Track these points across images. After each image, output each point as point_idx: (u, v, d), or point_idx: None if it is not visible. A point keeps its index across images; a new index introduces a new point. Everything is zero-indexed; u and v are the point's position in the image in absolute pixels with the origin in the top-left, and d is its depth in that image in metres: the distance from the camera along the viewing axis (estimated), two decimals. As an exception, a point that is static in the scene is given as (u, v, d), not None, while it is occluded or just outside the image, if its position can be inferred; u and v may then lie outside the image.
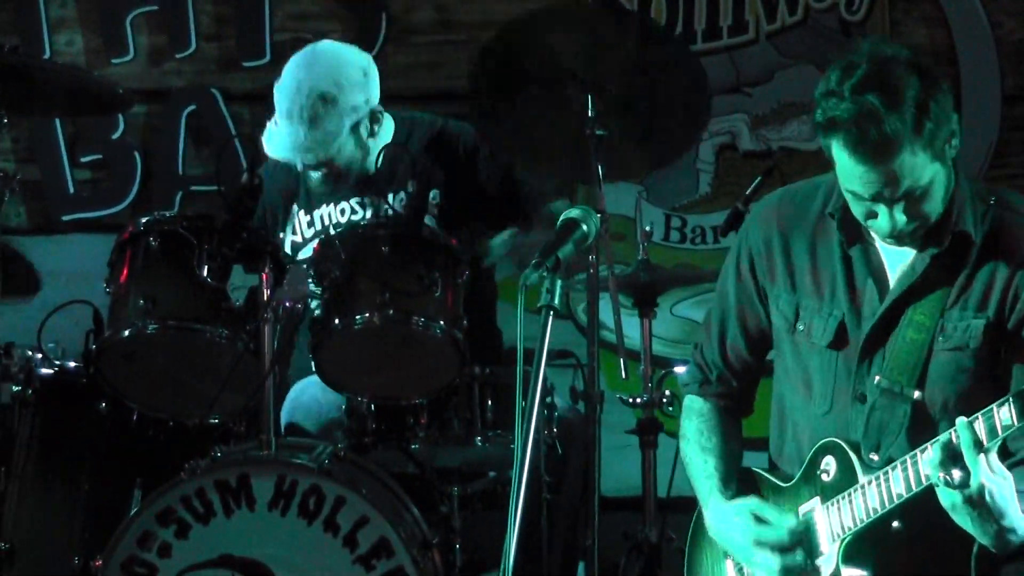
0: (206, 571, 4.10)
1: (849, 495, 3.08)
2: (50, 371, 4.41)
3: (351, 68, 4.75)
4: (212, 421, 4.38)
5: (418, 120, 4.93)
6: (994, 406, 2.82)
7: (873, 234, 3.15)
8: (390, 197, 4.74)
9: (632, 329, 4.63)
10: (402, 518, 4.18)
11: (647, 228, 4.83)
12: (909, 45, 6.06)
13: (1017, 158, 6.12)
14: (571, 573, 4.48)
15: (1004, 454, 2.96)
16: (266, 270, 4.23)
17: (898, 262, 3.15)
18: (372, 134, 4.77)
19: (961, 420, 2.84)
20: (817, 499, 3.16)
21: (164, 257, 4.25)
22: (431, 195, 4.80)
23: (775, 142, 6.09)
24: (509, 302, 4.95)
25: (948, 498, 2.86)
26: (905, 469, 2.96)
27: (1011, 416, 2.78)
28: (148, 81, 6.12)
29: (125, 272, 4.28)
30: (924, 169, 2.99)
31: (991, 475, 2.81)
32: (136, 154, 6.18)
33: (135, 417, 4.42)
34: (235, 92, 6.16)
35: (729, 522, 3.28)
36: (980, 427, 2.82)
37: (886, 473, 3.01)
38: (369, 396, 4.36)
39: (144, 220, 4.32)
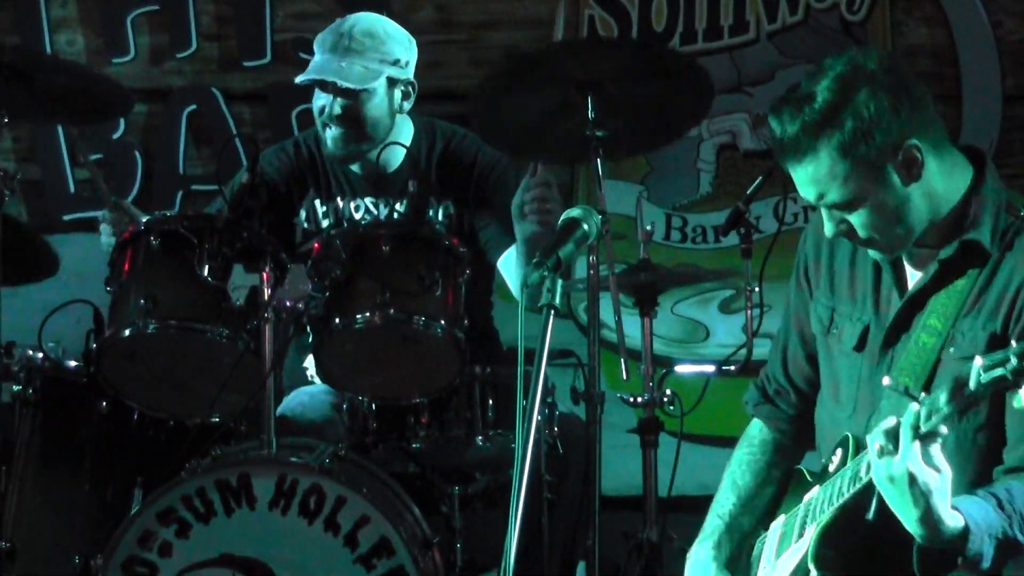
0: (207, 570, 4.09)
1: (833, 481, 3.08)
2: (51, 370, 4.41)
3: (399, 29, 4.76)
4: (213, 421, 4.37)
5: (439, 126, 4.90)
6: (938, 392, 2.79)
7: None
8: (402, 203, 4.74)
9: (633, 328, 4.62)
10: (403, 518, 4.18)
11: (648, 228, 4.81)
12: (910, 45, 6.13)
13: (1018, 158, 6.14)
14: (571, 573, 4.48)
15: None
16: (267, 270, 4.22)
17: (920, 266, 3.14)
18: (400, 108, 4.74)
19: (912, 404, 2.81)
20: (817, 487, 3.17)
21: (165, 257, 4.24)
22: (442, 208, 4.79)
23: (776, 142, 6.10)
24: (509, 302, 4.95)
25: (876, 472, 2.84)
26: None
27: (944, 402, 2.76)
28: (149, 81, 6.14)
29: (126, 271, 4.27)
30: (841, 181, 2.96)
31: (919, 461, 2.77)
32: (137, 154, 6.20)
33: (136, 417, 4.43)
34: (236, 92, 6.19)
35: None
36: (923, 412, 2.79)
37: (858, 458, 3.00)
38: (370, 396, 4.36)
39: (145, 219, 4.32)
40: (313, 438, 4.44)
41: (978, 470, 3.02)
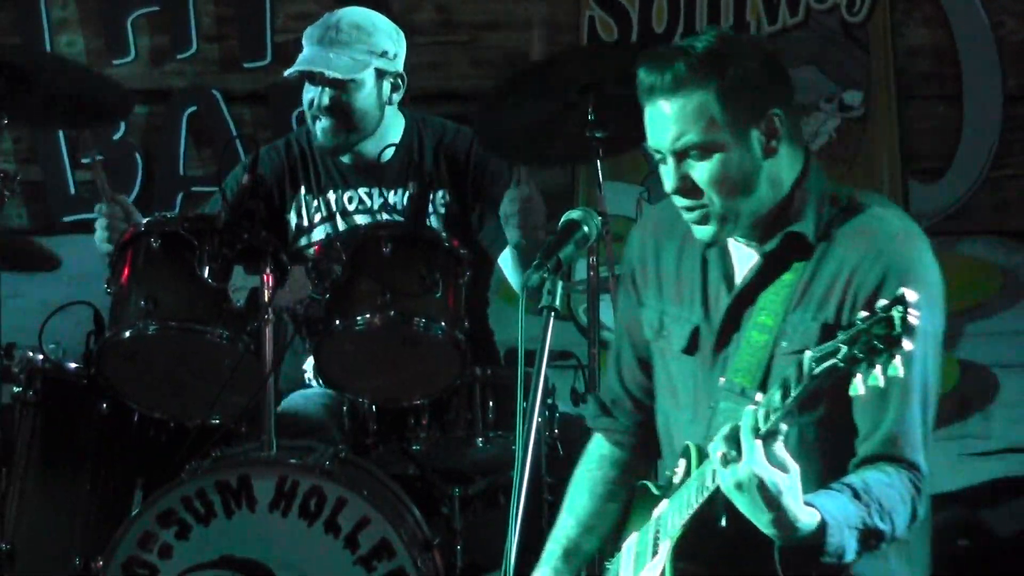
0: (207, 572, 4.09)
1: (680, 493, 3.04)
2: (51, 372, 4.41)
3: (386, 22, 4.78)
4: (213, 422, 4.37)
5: (430, 121, 4.91)
6: (773, 390, 2.75)
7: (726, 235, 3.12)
8: (397, 192, 4.74)
9: None
10: (403, 519, 4.18)
11: None
12: (910, 46, 6.13)
13: (1018, 158, 6.14)
14: None
15: None
16: (267, 271, 4.22)
17: (747, 263, 3.10)
18: (390, 101, 4.75)
19: (749, 406, 2.78)
20: (666, 501, 3.12)
21: (165, 258, 4.24)
22: (439, 195, 4.79)
23: (776, 142, 6.10)
24: (510, 302, 4.95)
25: (723, 480, 2.79)
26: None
27: (779, 400, 2.72)
28: (149, 82, 6.14)
29: (126, 273, 4.28)
30: (706, 122, 2.95)
31: (764, 464, 2.73)
32: (137, 155, 6.20)
33: (136, 418, 4.44)
34: (236, 93, 6.19)
35: None
36: (760, 413, 2.75)
37: (702, 467, 2.96)
38: (370, 397, 4.37)
39: (145, 221, 4.32)
40: (308, 440, 4.43)
41: (824, 465, 2.97)
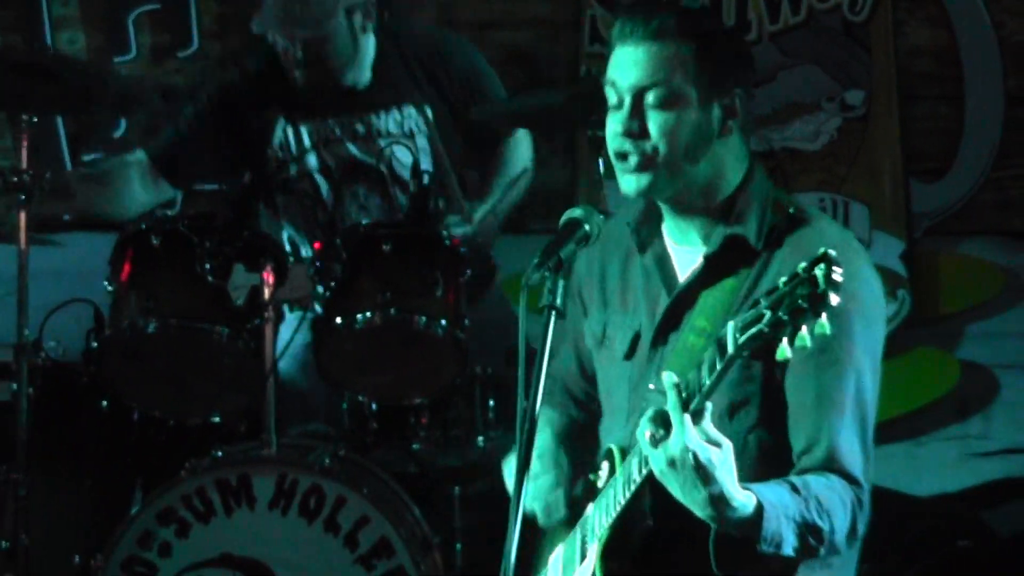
0: (206, 570, 4.14)
1: (606, 492, 3.00)
2: (51, 370, 4.44)
3: None
4: (213, 420, 4.41)
5: (399, 32, 4.82)
6: (701, 366, 2.72)
7: (666, 238, 3.11)
8: (380, 117, 4.70)
9: None
10: (403, 518, 4.21)
11: None
12: (913, 46, 6.12)
13: (1020, 158, 6.12)
14: None
15: None
16: (268, 269, 4.25)
17: (688, 267, 3.08)
18: (364, 29, 4.68)
19: (669, 378, 2.73)
20: (591, 506, 3.08)
21: (165, 256, 4.28)
22: (426, 110, 4.74)
23: (777, 142, 6.09)
24: (511, 304, 4.96)
25: (655, 462, 2.74)
26: (639, 452, 2.85)
27: (707, 375, 2.69)
28: (150, 80, 6.07)
29: (126, 270, 4.30)
30: (677, 74, 2.95)
31: (696, 437, 2.69)
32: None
33: (136, 416, 4.45)
34: None
35: None
36: (685, 390, 2.72)
37: (627, 462, 2.93)
38: (370, 396, 4.39)
39: (145, 219, 4.36)
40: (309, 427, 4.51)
41: (759, 473, 2.92)
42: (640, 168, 3.00)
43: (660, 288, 3.09)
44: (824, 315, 2.54)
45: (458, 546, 4.39)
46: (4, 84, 4.45)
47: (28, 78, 4.44)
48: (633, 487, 2.87)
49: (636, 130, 3.00)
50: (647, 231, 3.13)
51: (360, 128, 4.76)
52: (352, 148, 4.72)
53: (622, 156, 3.02)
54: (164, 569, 4.14)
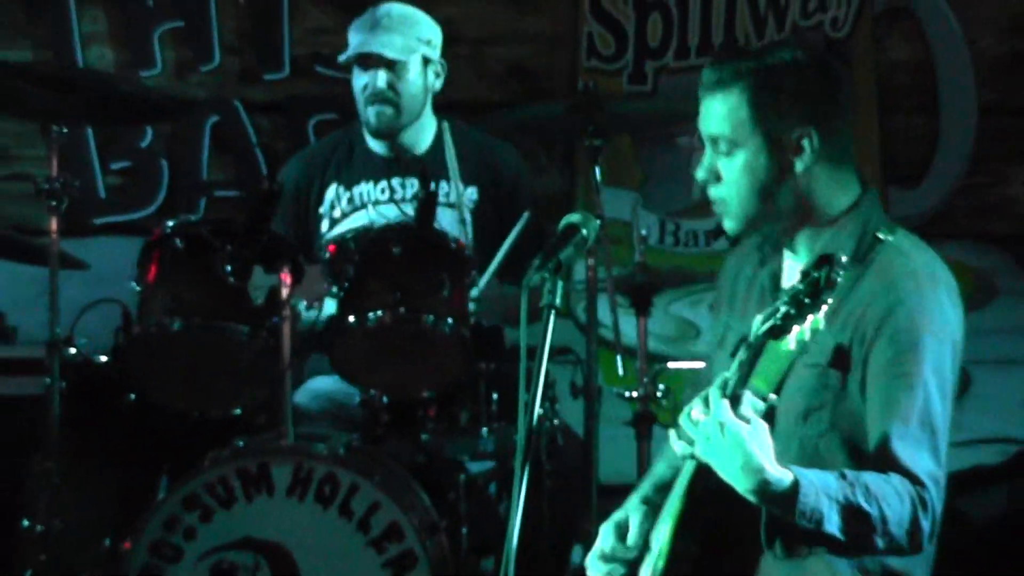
0: (229, 553, 4.17)
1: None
2: (82, 365, 4.47)
3: (426, 15, 4.96)
4: (234, 413, 4.45)
5: (469, 131, 5.02)
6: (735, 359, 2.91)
7: (786, 251, 3.21)
8: (433, 185, 4.72)
9: (629, 327, 4.74)
10: (412, 504, 4.24)
11: (643, 233, 4.90)
12: (891, 60, 6.21)
13: (992, 166, 6.21)
14: (566, 552, 4.55)
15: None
16: (285, 270, 4.30)
17: (794, 278, 3.14)
18: (434, 88, 4.91)
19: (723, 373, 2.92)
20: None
21: (189, 258, 4.32)
22: (469, 191, 4.90)
23: (763, 152, 6.18)
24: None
25: (697, 439, 2.87)
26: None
27: (736, 366, 2.89)
28: (174, 93, 6.13)
29: (152, 272, 4.34)
30: (735, 120, 3.06)
31: (729, 415, 2.83)
32: (163, 162, 6.22)
33: (161, 409, 4.46)
34: (255, 103, 6.22)
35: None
36: (726, 378, 2.91)
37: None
38: (381, 390, 4.43)
39: (170, 223, 4.39)
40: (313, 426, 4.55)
41: None
42: (723, 212, 3.16)
43: (769, 299, 3.18)
44: (821, 311, 2.80)
45: (464, 529, 4.40)
46: (36, 97, 4.49)
47: (59, 91, 4.50)
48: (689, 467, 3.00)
49: (713, 177, 3.14)
50: (769, 247, 3.25)
51: (407, 192, 4.91)
52: (393, 210, 4.84)
53: (712, 202, 3.18)
54: (189, 551, 4.15)
